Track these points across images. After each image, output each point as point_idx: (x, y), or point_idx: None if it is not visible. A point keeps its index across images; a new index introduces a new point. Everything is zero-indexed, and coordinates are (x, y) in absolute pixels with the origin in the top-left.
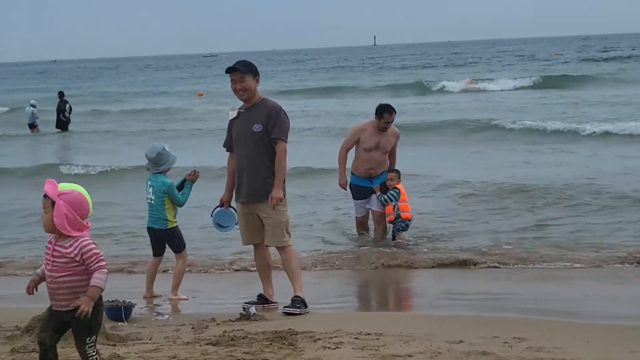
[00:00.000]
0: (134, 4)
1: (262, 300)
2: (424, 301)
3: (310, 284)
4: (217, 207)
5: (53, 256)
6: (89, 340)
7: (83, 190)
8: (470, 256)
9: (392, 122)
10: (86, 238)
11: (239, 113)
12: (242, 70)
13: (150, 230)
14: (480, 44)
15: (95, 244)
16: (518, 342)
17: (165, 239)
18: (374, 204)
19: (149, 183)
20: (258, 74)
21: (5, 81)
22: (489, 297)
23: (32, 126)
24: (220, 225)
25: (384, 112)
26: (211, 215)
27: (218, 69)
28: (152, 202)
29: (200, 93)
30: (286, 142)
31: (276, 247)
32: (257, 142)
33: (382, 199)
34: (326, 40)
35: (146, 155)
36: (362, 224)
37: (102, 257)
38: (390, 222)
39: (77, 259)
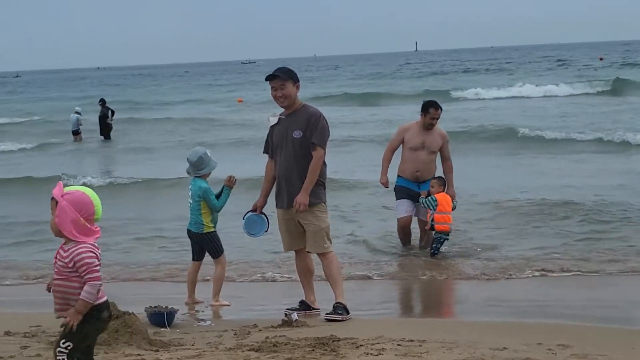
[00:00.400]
0: (173, 10)
1: (304, 306)
2: (467, 308)
3: (353, 289)
4: (249, 211)
5: (56, 259)
6: (63, 345)
7: (89, 191)
8: (514, 263)
9: (437, 118)
10: (84, 246)
11: (279, 119)
12: (283, 77)
13: (188, 232)
14: (522, 49)
15: (93, 252)
16: (562, 349)
17: (202, 243)
18: (420, 212)
19: (189, 186)
20: (298, 81)
21: (45, 88)
22: (533, 304)
23: (76, 133)
24: (249, 232)
25: (430, 107)
26: (243, 219)
27: (256, 75)
28: (190, 205)
29: (240, 99)
30: (324, 149)
31: (317, 254)
32: (297, 148)
33: (422, 201)
34: (367, 47)
35: (188, 159)
36: (404, 227)
37: (94, 268)
38: (443, 232)
39: (70, 265)
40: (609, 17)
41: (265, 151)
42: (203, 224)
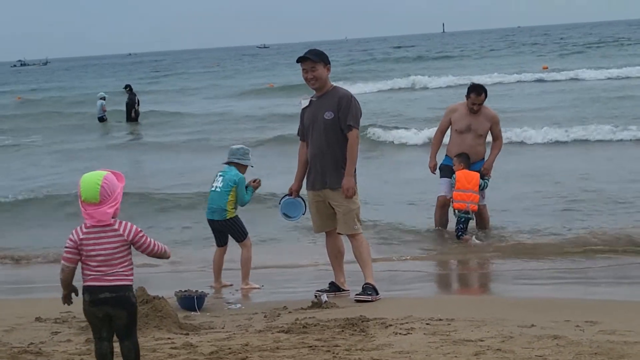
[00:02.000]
0: None
1: (334, 287)
2: (496, 286)
3: (381, 270)
4: (286, 195)
5: None
6: None
7: (87, 174)
8: (545, 241)
9: (480, 103)
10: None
11: (310, 101)
12: (314, 59)
13: (210, 222)
14: (552, 29)
15: (71, 235)
16: (590, 326)
17: (226, 229)
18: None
19: (219, 174)
20: (329, 63)
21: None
22: (562, 282)
23: (102, 119)
24: (287, 215)
25: (471, 92)
26: (279, 204)
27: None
28: (218, 189)
29: (271, 85)
30: (358, 129)
31: (347, 235)
32: (328, 129)
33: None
34: (397, 28)
35: (230, 148)
36: (442, 207)
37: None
38: (460, 210)
39: None
40: None
41: (299, 134)
42: (226, 210)
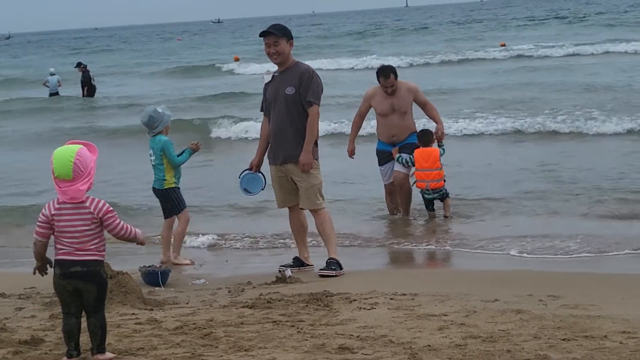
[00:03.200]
0: None
1: (298, 262)
2: (459, 261)
3: (346, 244)
4: (246, 170)
5: None
6: None
7: (60, 148)
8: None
9: (392, 85)
10: None
11: (273, 77)
12: (276, 34)
13: (153, 190)
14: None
15: (43, 209)
16: (553, 300)
17: (163, 199)
18: (397, 165)
19: (150, 146)
20: (292, 38)
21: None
22: (522, 254)
23: (56, 95)
24: (247, 190)
25: (379, 77)
26: (239, 178)
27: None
28: (153, 162)
29: (237, 57)
30: (319, 105)
31: (310, 210)
32: (289, 104)
33: (401, 160)
34: (359, 2)
35: (141, 121)
36: (391, 193)
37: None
38: (421, 189)
39: None
40: None
41: (262, 109)
42: (164, 180)
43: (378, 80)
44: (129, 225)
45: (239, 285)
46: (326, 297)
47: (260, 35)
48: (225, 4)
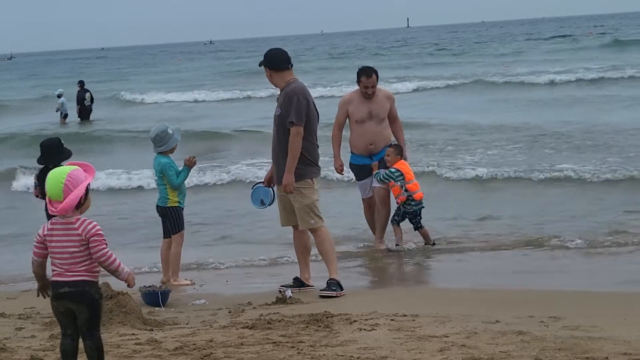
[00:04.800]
0: None
1: (298, 283)
2: (459, 280)
3: (346, 266)
4: (258, 183)
5: None
6: None
7: (54, 170)
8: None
9: (373, 85)
10: None
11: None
12: (267, 66)
13: (156, 208)
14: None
15: (40, 229)
16: (554, 321)
17: (164, 217)
18: (374, 181)
19: (153, 164)
20: (281, 64)
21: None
22: (522, 274)
23: (65, 116)
24: (256, 202)
25: (361, 75)
26: (252, 189)
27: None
28: (156, 181)
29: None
30: (299, 125)
31: (309, 230)
32: (278, 125)
33: (379, 177)
34: (363, 23)
35: (149, 136)
36: (370, 207)
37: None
38: (402, 203)
39: None
40: None
41: None
42: (168, 198)
43: (359, 80)
44: (115, 257)
45: (239, 305)
46: (327, 317)
47: (260, 65)
48: (218, 26)
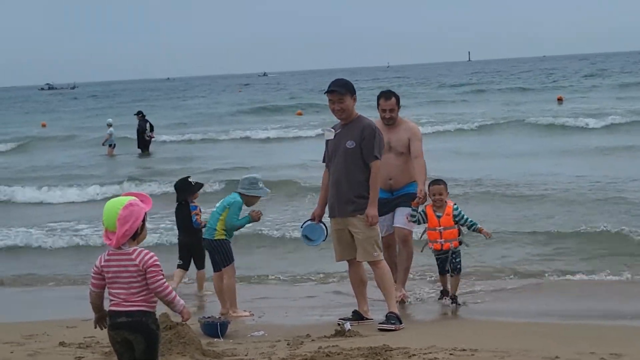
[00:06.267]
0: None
1: (357, 316)
2: (518, 312)
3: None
4: (308, 220)
5: None
6: None
7: (111, 200)
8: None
9: (391, 109)
10: None
11: (335, 134)
12: (340, 92)
13: (203, 241)
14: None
15: (97, 260)
16: (615, 358)
17: (212, 250)
18: (399, 219)
19: (225, 196)
20: (355, 92)
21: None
22: (581, 308)
23: (113, 147)
24: (308, 239)
25: (380, 97)
26: (301, 227)
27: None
28: (214, 209)
29: (300, 112)
30: (380, 159)
31: (369, 263)
32: (349, 158)
33: (417, 216)
34: (423, 56)
35: (244, 176)
36: (388, 247)
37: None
38: (437, 251)
39: None
40: None
41: (324, 160)
42: (215, 230)
43: (378, 103)
44: (171, 288)
45: (298, 337)
46: (385, 351)
47: (325, 93)
48: (271, 59)
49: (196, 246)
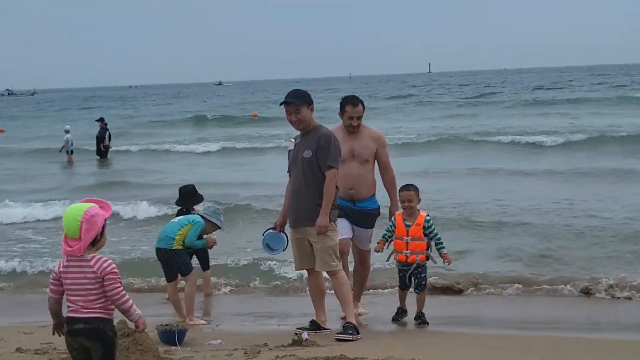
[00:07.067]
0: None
1: (315, 326)
2: (475, 322)
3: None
4: (270, 229)
5: None
6: None
7: (71, 207)
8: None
9: (359, 116)
10: None
11: (295, 144)
12: (296, 103)
13: (157, 251)
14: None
15: (56, 266)
16: None
17: (170, 260)
18: (359, 241)
19: (187, 215)
20: (312, 102)
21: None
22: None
23: (71, 153)
24: (270, 248)
25: (347, 104)
26: (262, 236)
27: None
28: (174, 221)
29: (255, 114)
30: (336, 168)
31: (327, 273)
32: (307, 167)
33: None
34: (384, 67)
35: (205, 207)
36: (342, 253)
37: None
38: (401, 263)
39: None
40: None
41: (288, 171)
42: (173, 240)
43: (343, 110)
44: (128, 297)
45: (255, 346)
46: None
47: (281, 104)
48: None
49: (198, 249)
